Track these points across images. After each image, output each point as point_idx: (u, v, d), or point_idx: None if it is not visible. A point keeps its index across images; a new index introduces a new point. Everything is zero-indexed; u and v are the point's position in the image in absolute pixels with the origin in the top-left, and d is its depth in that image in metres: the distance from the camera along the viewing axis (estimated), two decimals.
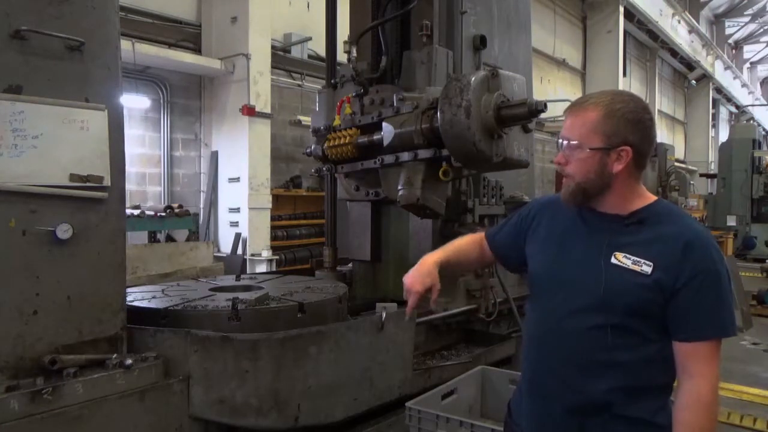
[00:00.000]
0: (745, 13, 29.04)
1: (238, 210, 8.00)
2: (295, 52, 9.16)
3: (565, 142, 1.63)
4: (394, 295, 3.86)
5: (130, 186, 7.19)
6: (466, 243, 2.08)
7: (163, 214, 6.90)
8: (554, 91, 16.15)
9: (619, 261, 1.55)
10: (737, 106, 31.41)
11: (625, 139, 1.56)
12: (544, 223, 1.80)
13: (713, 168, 22.00)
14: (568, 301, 1.61)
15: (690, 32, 22.88)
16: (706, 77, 26.26)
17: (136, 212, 6.64)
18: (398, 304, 3.25)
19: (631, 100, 1.60)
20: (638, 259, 1.53)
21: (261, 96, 7.96)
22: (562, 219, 1.74)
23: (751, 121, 27.18)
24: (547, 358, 1.66)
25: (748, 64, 35.62)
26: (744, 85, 32.01)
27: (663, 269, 1.50)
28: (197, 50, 8.04)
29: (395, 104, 3.37)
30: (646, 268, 1.51)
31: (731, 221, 14.31)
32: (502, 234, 1.98)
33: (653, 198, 1.66)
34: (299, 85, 9.27)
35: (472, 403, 3.07)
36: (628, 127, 1.56)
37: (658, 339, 1.54)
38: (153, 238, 7.34)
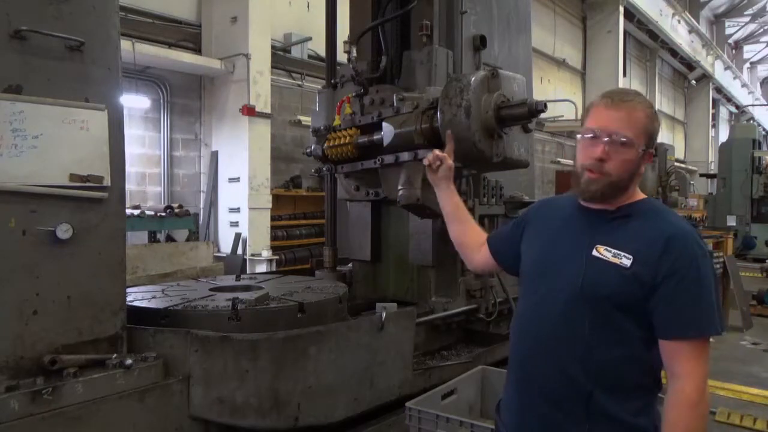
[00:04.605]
0: (745, 13, 29.02)
1: (238, 210, 7.99)
2: (295, 52, 9.16)
3: (607, 137, 1.54)
4: (394, 295, 3.86)
5: (130, 186, 7.19)
6: (476, 226, 2.13)
7: (163, 214, 6.89)
8: (554, 91, 16.14)
9: (600, 254, 1.56)
10: (737, 106, 31.42)
11: (654, 143, 1.61)
12: (538, 222, 1.82)
13: (713, 168, 22.00)
14: (550, 294, 1.62)
15: (690, 32, 22.87)
16: (706, 77, 26.26)
17: (136, 212, 6.63)
18: (398, 304, 3.25)
19: (651, 103, 1.64)
20: (618, 252, 1.53)
21: (261, 96, 7.96)
22: (554, 216, 1.76)
23: (751, 121, 27.18)
24: (530, 350, 1.66)
25: (748, 64, 35.61)
26: (744, 85, 32.01)
27: (642, 263, 1.50)
28: (197, 50, 8.03)
29: (395, 104, 3.37)
30: (626, 261, 1.51)
31: (731, 221, 14.30)
32: (500, 236, 2.01)
33: (642, 196, 1.66)
34: (299, 85, 9.26)
35: (472, 403, 3.07)
36: (657, 132, 1.61)
37: (640, 337, 1.52)
38: (153, 238, 7.34)
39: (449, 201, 2.10)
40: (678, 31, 21.60)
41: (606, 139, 1.54)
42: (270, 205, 8.15)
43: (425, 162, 2.11)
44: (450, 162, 2.08)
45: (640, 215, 1.59)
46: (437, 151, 2.09)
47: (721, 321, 1.52)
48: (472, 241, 2.07)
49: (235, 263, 7.62)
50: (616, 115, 1.55)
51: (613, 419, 1.52)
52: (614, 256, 1.53)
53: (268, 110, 8.08)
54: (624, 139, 1.54)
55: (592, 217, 1.63)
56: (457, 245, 2.12)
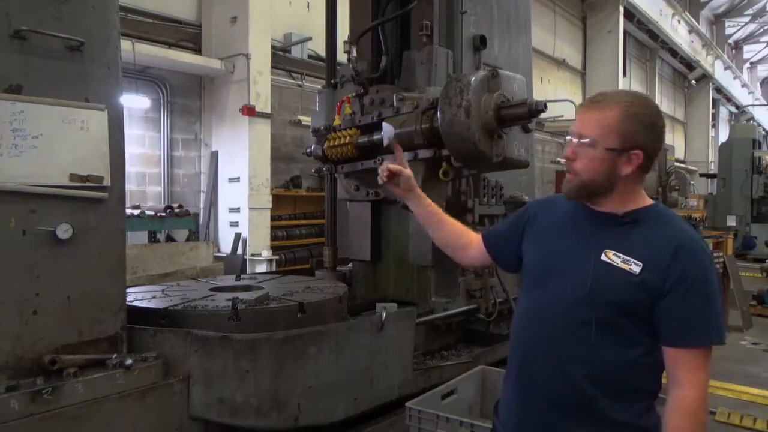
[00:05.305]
0: (745, 13, 29.02)
1: (238, 210, 8.00)
2: (295, 52, 9.16)
3: (576, 139, 1.59)
4: (394, 295, 3.86)
5: (130, 186, 7.19)
6: (457, 224, 2.07)
7: (163, 214, 6.90)
8: (554, 91, 16.14)
9: (609, 259, 1.55)
10: (737, 106, 31.40)
11: (639, 143, 1.54)
12: (540, 220, 1.80)
13: (713, 168, 21.98)
14: (555, 295, 1.61)
15: (690, 32, 22.87)
16: (706, 77, 26.25)
17: (136, 212, 6.64)
18: (398, 304, 3.25)
19: (649, 104, 1.59)
20: (628, 258, 1.52)
21: (261, 96, 7.96)
22: (559, 216, 1.74)
23: (751, 121, 27.17)
24: (531, 350, 1.65)
25: (748, 64, 35.61)
26: (744, 85, 32.00)
27: (651, 270, 1.49)
28: (197, 50, 8.03)
29: (395, 104, 3.37)
30: (635, 267, 1.51)
31: (731, 221, 14.29)
32: (498, 233, 1.98)
33: (650, 201, 1.65)
34: (299, 85, 9.26)
35: (472, 403, 3.07)
36: (643, 131, 1.55)
37: (644, 342, 1.52)
38: (153, 238, 7.34)
39: (423, 209, 2.01)
40: (678, 31, 21.60)
41: (575, 141, 1.58)
42: (270, 205, 8.16)
43: (380, 181, 1.97)
44: (408, 171, 1.96)
45: (649, 221, 1.58)
46: (389, 165, 1.96)
47: (722, 331, 1.52)
48: (458, 241, 2.03)
49: (235, 263, 7.62)
50: (586, 116, 1.59)
51: (614, 421, 1.53)
52: (623, 262, 1.53)
53: (268, 110, 8.08)
54: (586, 140, 1.56)
55: (600, 221, 1.62)
56: (444, 248, 2.08)
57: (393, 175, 1.94)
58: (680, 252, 1.49)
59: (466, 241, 2.02)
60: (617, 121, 1.54)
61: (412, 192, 1.98)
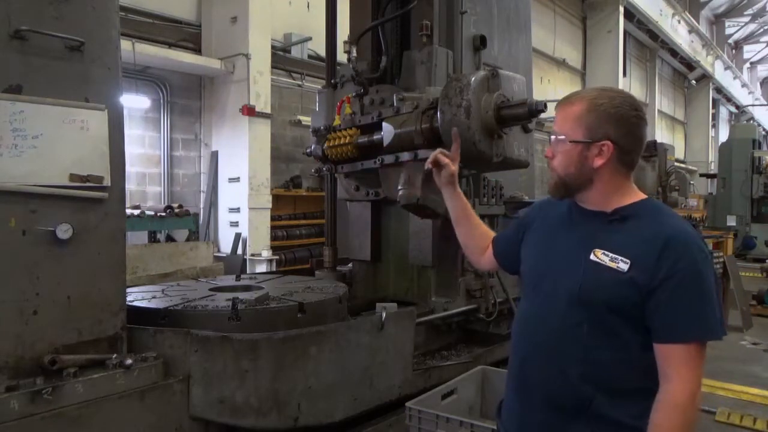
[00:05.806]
0: (745, 13, 29.04)
1: (238, 210, 8.00)
2: (295, 52, 9.17)
3: (552, 137, 1.65)
4: (394, 295, 3.86)
5: (130, 186, 7.19)
6: (483, 226, 2.12)
7: (163, 214, 6.90)
8: (554, 91, 16.14)
9: (597, 258, 1.54)
10: (737, 106, 31.42)
11: (607, 134, 1.55)
12: (539, 222, 1.81)
13: (713, 168, 21.99)
14: (551, 297, 1.61)
15: (690, 32, 22.88)
16: (706, 77, 26.26)
17: (136, 212, 6.64)
18: (398, 304, 3.25)
19: (618, 97, 1.58)
20: (616, 256, 1.52)
21: (261, 96, 7.96)
22: (555, 217, 1.75)
23: (751, 121, 27.18)
24: (529, 353, 1.66)
25: (748, 64, 35.62)
26: (744, 85, 32.01)
27: (639, 267, 1.48)
28: (197, 50, 8.04)
29: (395, 104, 3.36)
30: (623, 265, 1.50)
31: (731, 221, 14.30)
32: (503, 237, 2.01)
33: (642, 196, 1.63)
34: (299, 85, 9.27)
35: (472, 403, 3.07)
36: (611, 122, 1.55)
37: (639, 341, 1.51)
38: (153, 238, 7.34)
39: (454, 205, 2.05)
40: (678, 31, 21.60)
41: (552, 139, 1.64)
42: (270, 205, 8.16)
43: (427, 165, 2.03)
44: (453, 168, 1.98)
45: (638, 217, 1.57)
46: (441, 156, 1.98)
47: (722, 325, 1.48)
48: (477, 244, 2.07)
49: (235, 263, 7.62)
50: (560, 114, 1.64)
51: (613, 422, 1.52)
52: (611, 260, 1.52)
53: (268, 110, 8.09)
54: (560, 137, 1.61)
55: (589, 219, 1.63)
56: (465, 247, 2.12)
57: (437, 164, 1.99)
58: (669, 246, 1.47)
59: (486, 245, 2.05)
60: (583, 113, 1.57)
61: (450, 186, 2.03)
